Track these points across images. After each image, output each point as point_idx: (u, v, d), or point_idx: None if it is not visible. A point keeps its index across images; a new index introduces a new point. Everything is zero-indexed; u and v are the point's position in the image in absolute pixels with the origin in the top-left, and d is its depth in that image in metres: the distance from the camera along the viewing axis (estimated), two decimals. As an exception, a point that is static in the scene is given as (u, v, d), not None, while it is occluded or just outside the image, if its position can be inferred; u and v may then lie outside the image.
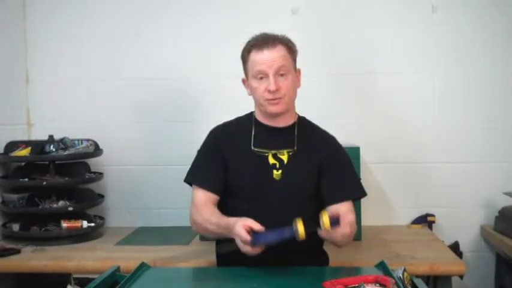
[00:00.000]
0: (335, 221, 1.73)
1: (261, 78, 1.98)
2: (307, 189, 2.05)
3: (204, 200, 2.05)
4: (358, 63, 3.06)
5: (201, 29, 3.11)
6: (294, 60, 2.05)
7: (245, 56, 2.03)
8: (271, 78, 1.95)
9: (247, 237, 1.77)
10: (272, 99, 1.97)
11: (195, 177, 2.11)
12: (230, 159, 2.06)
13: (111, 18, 3.16)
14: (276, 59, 1.96)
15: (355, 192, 2.11)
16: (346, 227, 1.83)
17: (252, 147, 2.05)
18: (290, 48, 2.02)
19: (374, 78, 3.07)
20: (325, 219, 1.71)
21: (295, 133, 2.07)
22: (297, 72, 2.07)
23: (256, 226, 1.80)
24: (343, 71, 3.06)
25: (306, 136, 2.09)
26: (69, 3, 3.17)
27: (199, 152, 2.18)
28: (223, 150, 2.08)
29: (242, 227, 1.79)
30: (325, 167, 2.06)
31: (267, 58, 1.96)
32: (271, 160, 2.03)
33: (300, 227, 1.71)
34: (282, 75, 1.97)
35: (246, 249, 1.79)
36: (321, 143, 2.10)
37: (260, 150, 2.04)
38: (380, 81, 3.07)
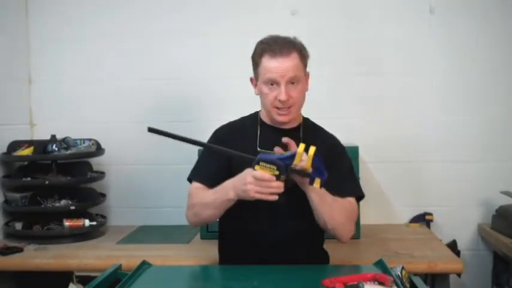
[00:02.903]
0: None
1: (272, 85, 1.97)
2: None
3: (198, 187, 2.05)
4: (356, 64, 3.09)
5: (202, 30, 3.13)
6: (305, 66, 2.03)
7: (256, 58, 2.01)
8: (283, 88, 1.94)
9: (265, 175, 1.74)
10: (281, 108, 1.97)
11: (194, 173, 2.12)
12: (235, 159, 2.04)
13: (113, 19, 3.18)
14: (289, 68, 1.94)
15: (353, 191, 2.11)
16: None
17: (258, 148, 2.03)
18: (303, 55, 2.00)
19: (373, 79, 3.09)
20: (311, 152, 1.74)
21: (300, 135, 2.07)
22: (306, 75, 2.06)
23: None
24: (342, 72, 3.09)
25: (311, 138, 2.06)
26: (71, 4, 3.19)
27: (203, 150, 2.18)
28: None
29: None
30: (330, 168, 2.04)
31: (280, 67, 1.94)
32: None
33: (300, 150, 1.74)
34: (292, 83, 1.96)
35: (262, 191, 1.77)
36: (326, 145, 2.08)
37: (265, 151, 2.01)
38: (379, 82, 3.09)
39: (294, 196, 2.02)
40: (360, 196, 2.13)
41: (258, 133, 2.08)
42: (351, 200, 2.06)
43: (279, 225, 2.02)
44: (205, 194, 1.98)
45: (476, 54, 3.05)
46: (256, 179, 1.75)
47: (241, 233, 2.08)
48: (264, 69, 1.97)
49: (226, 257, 2.18)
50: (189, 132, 3.04)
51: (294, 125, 2.09)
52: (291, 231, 2.02)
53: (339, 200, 1.98)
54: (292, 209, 2.03)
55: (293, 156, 1.75)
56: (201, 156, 2.18)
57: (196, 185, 2.07)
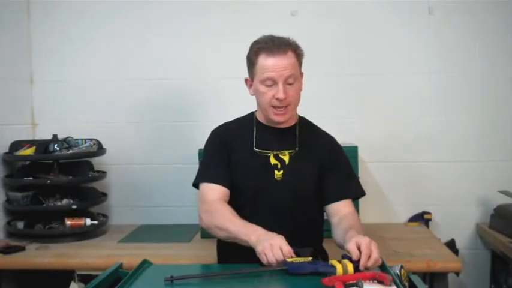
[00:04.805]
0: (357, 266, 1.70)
1: (269, 84, 1.96)
2: (307, 189, 2.07)
3: (214, 195, 2.02)
4: (356, 64, 3.10)
5: (202, 31, 3.15)
6: (300, 65, 2.03)
7: (252, 57, 2.00)
8: (281, 86, 1.94)
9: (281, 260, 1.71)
10: (278, 108, 1.97)
11: (203, 176, 2.09)
12: (233, 159, 2.07)
13: (114, 19, 3.19)
14: (287, 67, 1.94)
15: (355, 191, 2.14)
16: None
17: (254, 148, 2.06)
18: (298, 54, 2.00)
19: (372, 79, 3.10)
20: (349, 268, 1.67)
21: (297, 134, 2.09)
22: (301, 75, 2.05)
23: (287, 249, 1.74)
24: (341, 72, 3.10)
25: (307, 137, 2.10)
26: (73, 5, 3.20)
27: (205, 152, 2.17)
28: (230, 151, 2.08)
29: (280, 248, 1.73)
30: (327, 168, 2.08)
31: (277, 65, 1.93)
32: (273, 160, 2.05)
33: (338, 267, 1.67)
34: (289, 83, 1.96)
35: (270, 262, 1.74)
36: (322, 144, 2.12)
37: (262, 150, 2.06)
38: (378, 82, 3.10)
39: (294, 196, 2.05)
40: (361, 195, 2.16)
41: (255, 133, 2.09)
42: (352, 205, 2.09)
43: (278, 226, 2.01)
44: (226, 217, 1.94)
45: (475, 54, 3.06)
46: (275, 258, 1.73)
47: None
48: (261, 68, 1.96)
49: (224, 256, 2.18)
50: (189, 131, 3.12)
51: (289, 124, 2.10)
52: (290, 231, 1.99)
53: (358, 224, 1.99)
54: (292, 209, 2.05)
55: (326, 268, 1.69)
56: (204, 157, 2.17)
57: (209, 188, 2.04)
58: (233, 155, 2.08)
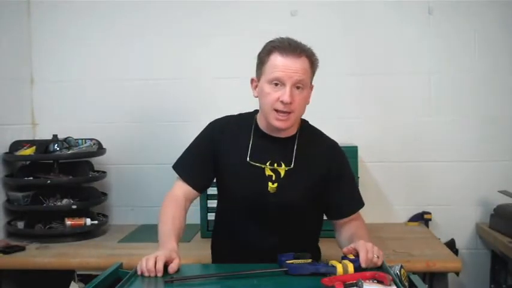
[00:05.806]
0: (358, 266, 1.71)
1: (276, 85, 1.86)
2: (301, 204, 1.99)
3: (179, 193, 2.03)
4: (356, 64, 3.11)
5: (201, 31, 3.15)
6: (313, 75, 1.94)
7: (264, 55, 1.90)
8: (288, 89, 1.83)
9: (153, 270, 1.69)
10: (280, 112, 1.87)
11: (180, 167, 2.08)
12: (225, 167, 2.01)
13: (114, 20, 3.20)
14: (298, 70, 1.85)
15: (359, 204, 2.10)
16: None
17: (248, 159, 1.97)
18: (313, 62, 1.92)
19: (372, 79, 3.11)
20: (350, 268, 1.68)
21: (295, 147, 1.99)
22: (310, 86, 1.96)
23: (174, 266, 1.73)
24: (341, 72, 3.10)
25: (307, 147, 2.00)
26: (73, 5, 3.20)
27: (193, 143, 2.12)
28: (218, 153, 2.02)
29: (161, 260, 1.70)
30: (329, 180, 2.00)
31: (288, 67, 1.84)
32: (268, 172, 1.96)
33: (338, 267, 1.68)
34: (298, 87, 1.86)
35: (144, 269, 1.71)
36: (323, 154, 2.02)
37: (256, 164, 1.97)
38: (377, 82, 3.11)
39: (287, 209, 1.99)
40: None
41: (251, 142, 2.00)
42: (358, 214, 2.09)
43: (268, 233, 2.00)
44: (161, 226, 1.95)
45: (475, 54, 3.07)
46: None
47: (233, 237, 2.07)
48: (270, 67, 1.87)
49: (218, 256, 2.17)
50: (188, 131, 3.09)
51: (290, 134, 2.00)
52: (282, 238, 1.99)
53: (366, 230, 2.02)
54: (284, 220, 2.00)
55: (326, 268, 1.70)
56: (190, 147, 2.12)
57: (179, 184, 2.06)
58: (223, 159, 2.02)
